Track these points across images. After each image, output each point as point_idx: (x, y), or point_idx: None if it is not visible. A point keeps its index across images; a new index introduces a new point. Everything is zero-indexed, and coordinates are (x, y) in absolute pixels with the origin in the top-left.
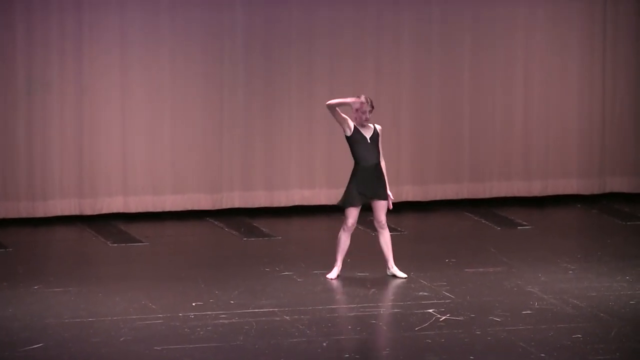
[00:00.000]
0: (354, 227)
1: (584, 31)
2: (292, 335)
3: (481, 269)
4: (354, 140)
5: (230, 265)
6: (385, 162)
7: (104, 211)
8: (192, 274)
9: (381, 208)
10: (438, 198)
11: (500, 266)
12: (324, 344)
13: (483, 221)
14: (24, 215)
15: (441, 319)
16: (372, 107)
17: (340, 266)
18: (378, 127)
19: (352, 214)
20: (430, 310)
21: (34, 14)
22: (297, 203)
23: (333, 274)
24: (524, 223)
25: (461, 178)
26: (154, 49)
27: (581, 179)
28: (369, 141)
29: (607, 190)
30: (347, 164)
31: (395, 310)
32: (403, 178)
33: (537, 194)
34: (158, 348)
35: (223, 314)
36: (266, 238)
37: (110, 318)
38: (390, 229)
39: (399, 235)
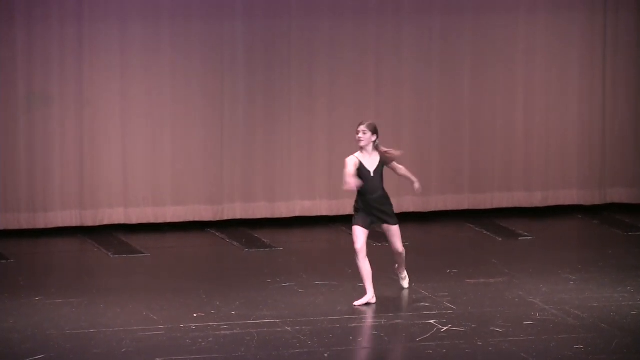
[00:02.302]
0: (364, 251)
1: (584, 42)
2: (294, 346)
3: (482, 280)
4: (360, 176)
5: (232, 277)
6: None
7: (105, 222)
8: (194, 285)
9: (393, 234)
10: (439, 209)
11: (502, 277)
12: (326, 355)
13: (484, 232)
14: (25, 226)
15: (443, 330)
16: (371, 131)
17: (371, 292)
18: (392, 152)
19: (357, 233)
20: (432, 321)
21: (34, 27)
22: (297, 214)
23: (365, 300)
24: (525, 234)
25: (462, 189)
26: (154, 61)
27: (582, 189)
28: (372, 175)
29: (608, 201)
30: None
31: (397, 321)
32: (404, 189)
33: (538, 205)
34: (159, 359)
35: (224, 325)
36: (267, 249)
37: (111, 329)
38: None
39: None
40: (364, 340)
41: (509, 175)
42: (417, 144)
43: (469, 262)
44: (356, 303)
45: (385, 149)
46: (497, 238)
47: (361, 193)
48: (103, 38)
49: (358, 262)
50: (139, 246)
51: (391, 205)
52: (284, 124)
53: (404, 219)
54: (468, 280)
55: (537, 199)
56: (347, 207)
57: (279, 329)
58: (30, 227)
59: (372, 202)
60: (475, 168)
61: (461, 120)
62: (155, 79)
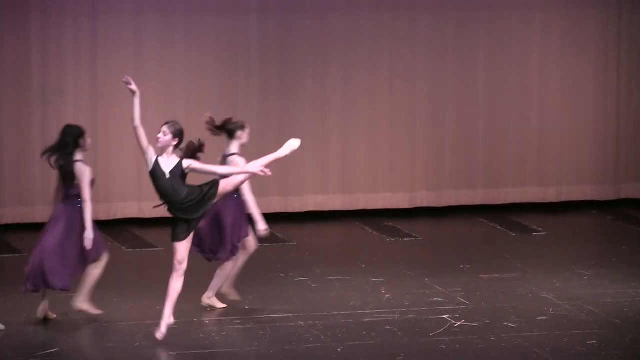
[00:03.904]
0: (184, 267)
1: (598, 38)
2: (307, 341)
3: (496, 275)
4: (153, 178)
5: (245, 271)
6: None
7: (119, 216)
8: (207, 279)
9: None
10: (452, 204)
11: (515, 272)
12: (339, 350)
13: (498, 227)
14: (38, 220)
15: (456, 325)
16: (172, 134)
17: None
18: (188, 162)
19: (179, 249)
20: (445, 316)
21: (49, 21)
22: (311, 209)
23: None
24: (539, 229)
25: (476, 184)
26: (168, 56)
27: (596, 185)
28: (168, 176)
29: (622, 196)
30: (361, 169)
31: (410, 316)
32: (418, 184)
33: (551, 200)
34: (173, 353)
35: (237, 319)
36: (280, 244)
37: (125, 323)
38: (405, 235)
39: (414, 241)
40: (377, 335)
41: (522, 170)
42: (431, 139)
43: (482, 257)
44: (158, 335)
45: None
46: (510, 233)
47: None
48: (117, 33)
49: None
50: (152, 240)
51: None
52: (298, 119)
53: (418, 214)
54: (481, 276)
55: (550, 195)
56: (360, 201)
57: (292, 324)
58: (44, 220)
59: (174, 208)
60: (489, 163)
61: (475, 115)
62: (169, 74)
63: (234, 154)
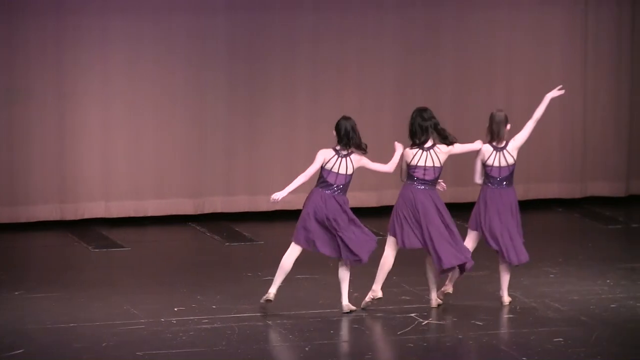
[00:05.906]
0: None
1: (565, 37)
2: (275, 340)
3: (464, 273)
4: None
5: (212, 270)
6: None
7: (86, 216)
8: (174, 279)
9: None
10: None
11: (483, 270)
12: (307, 349)
13: (465, 225)
14: (5, 220)
15: (423, 323)
16: None
17: None
18: None
19: None
20: (413, 315)
21: (13, 20)
22: (279, 207)
23: None
24: None
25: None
26: (136, 55)
27: (562, 183)
28: None
29: (588, 194)
30: None
31: (378, 314)
32: (385, 182)
33: (518, 198)
34: (140, 353)
35: (205, 319)
36: (248, 243)
37: (92, 323)
38: (374, 233)
39: (381, 239)
40: (345, 334)
41: None
42: (399, 137)
43: None
44: None
45: None
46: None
47: None
48: (84, 31)
49: None
50: (119, 240)
51: None
52: (266, 117)
53: (387, 211)
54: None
55: (518, 193)
56: None
57: (260, 323)
58: (11, 221)
59: None
60: (456, 162)
61: (442, 115)
62: (136, 72)
63: None
